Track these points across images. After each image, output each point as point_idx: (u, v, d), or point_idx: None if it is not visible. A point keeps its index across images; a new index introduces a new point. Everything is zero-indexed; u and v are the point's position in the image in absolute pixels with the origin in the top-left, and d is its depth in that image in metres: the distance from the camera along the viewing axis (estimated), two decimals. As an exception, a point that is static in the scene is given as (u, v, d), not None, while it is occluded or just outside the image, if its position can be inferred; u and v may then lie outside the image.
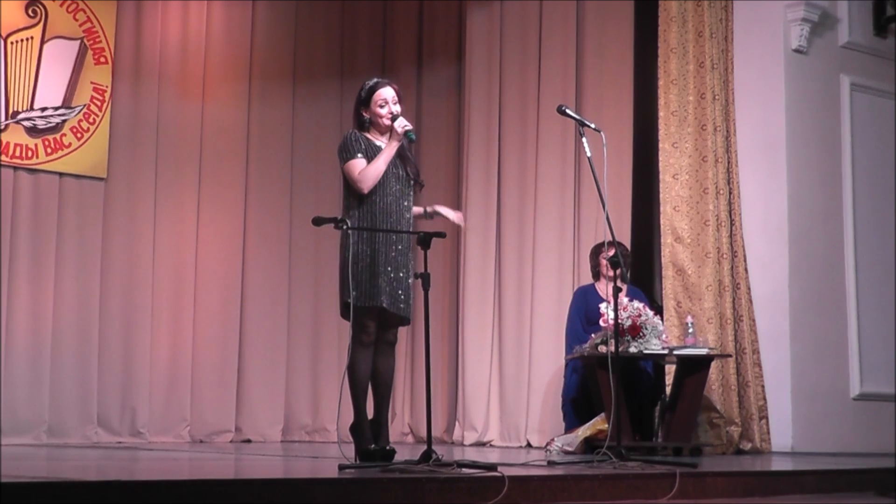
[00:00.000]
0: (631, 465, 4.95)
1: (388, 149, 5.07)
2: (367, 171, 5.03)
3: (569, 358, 7.03)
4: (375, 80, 5.25)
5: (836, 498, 4.97)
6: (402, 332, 5.47)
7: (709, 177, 7.21)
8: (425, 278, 4.71)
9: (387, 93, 5.16)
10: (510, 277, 8.30)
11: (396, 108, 5.13)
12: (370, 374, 5.11)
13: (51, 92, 8.02)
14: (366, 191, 5.03)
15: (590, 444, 6.42)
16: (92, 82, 8.17)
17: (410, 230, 5.14)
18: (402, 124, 5.05)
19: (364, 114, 5.20)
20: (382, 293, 4.99)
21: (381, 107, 5.14)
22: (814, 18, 7.41)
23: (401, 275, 5.06)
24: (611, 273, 5.70)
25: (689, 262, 7.15)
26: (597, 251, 7.21)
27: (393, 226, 5.07)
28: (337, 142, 5.24)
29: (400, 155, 5.14)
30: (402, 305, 5.07)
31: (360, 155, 5.06)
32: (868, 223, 7.67)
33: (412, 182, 5.22)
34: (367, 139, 5.14)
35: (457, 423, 8.50)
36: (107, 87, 8.23)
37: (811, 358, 7.23)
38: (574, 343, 6.99)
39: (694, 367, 6.57)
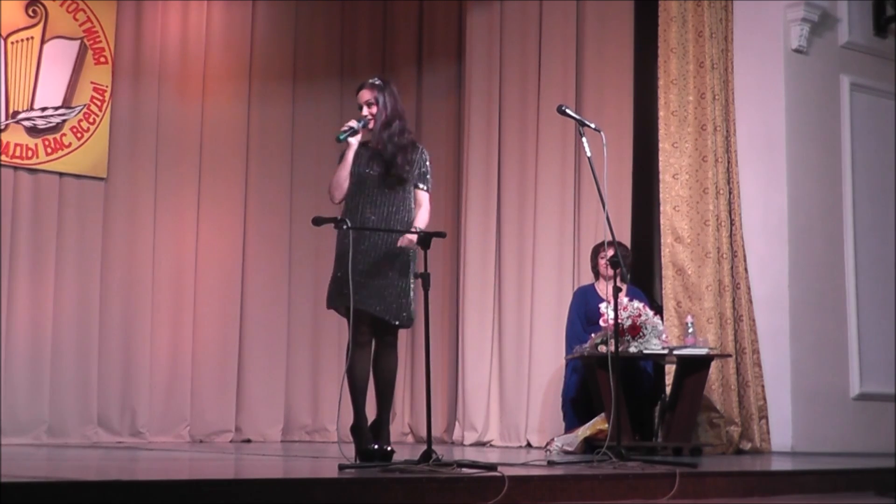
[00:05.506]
0: (631, 465, 4.95)
1: (346, 154, 5.10)
2: (330, 182, 5.10)
3: (569, 358, 7.03)
4: (363, 81, 5.28)
5: (836, 498, 4.97)
6: (402, 332, 5.46)
7: (709, 177, 7.21)
8: (425, 278, 4.70)
9: (361, 96, 5.20)
10: (510, 277, 8.30)
11: (366, 111, 5.15)
12: (370, 373, 5.11)
13: (51, 92, 8.02)
14: (333, 200, 5.10)
15: (590, 444, 6.42)
16: (92, 82, 8.17)
17: (404, 230, 5.11)
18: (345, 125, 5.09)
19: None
20: (372, 297, 4.99)
21: (360, 109, 5.19)
22: (814, 18, 7.41)
23: (389, 275, 5.03)
24: (610, 273, 5.69)
25: (689, 262, 7.15)
26: (597, 251, 7.20)
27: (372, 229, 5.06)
28: (336, 142, 5.26)
29: (377, 156, 5.12)
30: (390, 309, 5.03)
31: (339, 162, 5.12)
32: (868, 223, 7.67)
33: (394, 181, 5.13)
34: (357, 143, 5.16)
35: (457, 423, 8.50)
36: (107, 86, 8.23)
37: (811, 358, 7.23)
38: (574, 343, 6.99)
39: (694, 367, 6.57)
